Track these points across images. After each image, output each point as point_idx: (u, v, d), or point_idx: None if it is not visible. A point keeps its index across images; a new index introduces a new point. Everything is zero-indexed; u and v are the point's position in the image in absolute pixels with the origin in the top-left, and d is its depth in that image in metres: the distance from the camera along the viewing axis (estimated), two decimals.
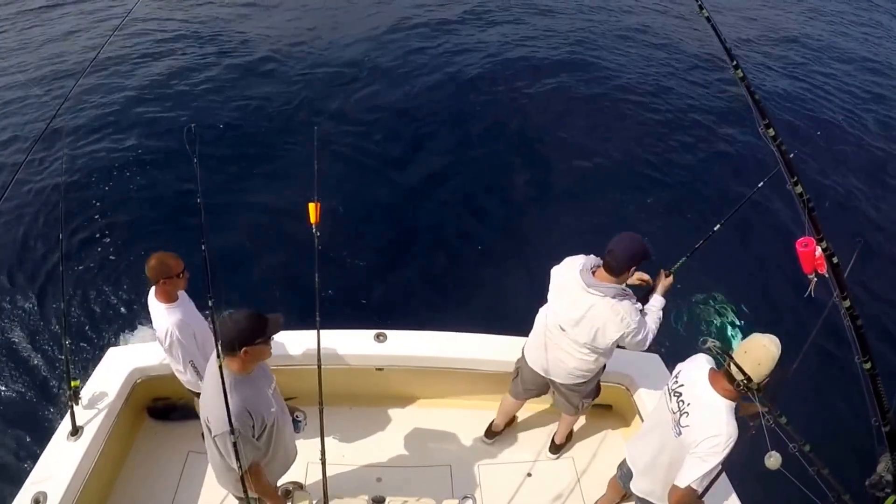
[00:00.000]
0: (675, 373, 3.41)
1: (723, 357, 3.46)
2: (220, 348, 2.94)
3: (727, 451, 3.00)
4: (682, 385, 3.28)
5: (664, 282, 4.07)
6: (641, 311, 3.93)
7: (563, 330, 4.01)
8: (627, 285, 3.92)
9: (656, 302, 4.04)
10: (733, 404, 3.06)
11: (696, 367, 3.30)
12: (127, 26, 11.29)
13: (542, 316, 4.25)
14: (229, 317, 3.05)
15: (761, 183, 3.98)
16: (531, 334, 4.37)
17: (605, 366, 4.34)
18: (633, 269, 3.78)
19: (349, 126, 10.18)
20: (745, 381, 2.92)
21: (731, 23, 15.24)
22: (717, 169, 9.91)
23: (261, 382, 3.29)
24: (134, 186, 8.71)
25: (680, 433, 3.18)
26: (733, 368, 2.95)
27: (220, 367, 2.96)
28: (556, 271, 4.08)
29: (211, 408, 3.07)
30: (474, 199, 8.98)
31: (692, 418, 3.13)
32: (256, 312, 3.09)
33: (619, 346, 4.01)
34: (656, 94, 11.85)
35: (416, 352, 4.81)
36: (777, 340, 2.98)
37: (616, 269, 3.73)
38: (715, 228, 4.13)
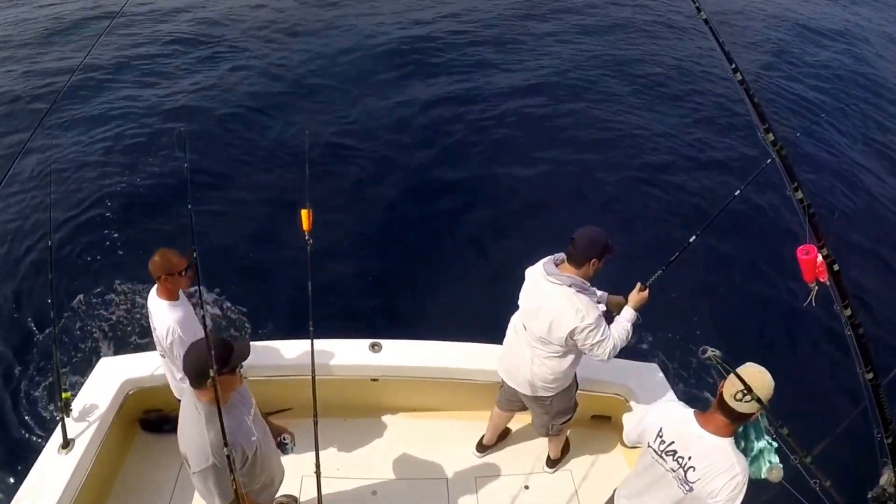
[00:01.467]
0: (655, 432, 3.14)
1: (722, 370, 3.40)
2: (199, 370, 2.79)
3: (746, 486, 2.86)
4: (673, 442, 3.06)
5: (638, 295, 3.98)
6: (610, 318, 3.90)
7: (525, 329, 3.98)
8: (607, 311, 3.88)
9: (626, 314, 3.95)
10: (732, 440, 2.92)
11: (679, 418, 3.11)
12: (116, 29, 11.29)
13: (513, 319, 4.24)
14: (193, 347, 2.91)
15: (738, 192, 3.89)
16: (504, 345, 4.34)
17: (575, 384, 4.27)
18: (595, 261, 3.72)
19: (341, 134, 10.17)
20: (745, 391, 2.71)
21: (730, 23, 15.24)
22: (705, 182, 9.75)
23: (239, 410, 3.13)
24: (123, 193, 8.65)
25: (691, 489, 3.00)
26: (732, 381, 2.75)
27: (211, 385, 2.78)
28: (528, 269, 4.08)
29: (188, 443, 2.93)
30: (473, 206, 8.94)
31: (700, 471, 2.96)
32: (221, 340, 2.94)
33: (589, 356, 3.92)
34: (647, 102, 11.81)
35: (412, 362, 4.76)
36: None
37: (577, 257, 3.71)
38: (691, 240, 4.05)
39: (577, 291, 3.72)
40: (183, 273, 3.85)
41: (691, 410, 3.09)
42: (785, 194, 2.74)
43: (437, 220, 8.72)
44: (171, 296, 3.92)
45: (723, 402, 2.84)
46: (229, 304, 7.09)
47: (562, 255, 3.86)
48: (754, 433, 3.11)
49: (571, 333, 3.75)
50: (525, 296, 4.02)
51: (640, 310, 3.99)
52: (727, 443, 2.91)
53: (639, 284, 4.01)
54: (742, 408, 2.77)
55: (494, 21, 14.63)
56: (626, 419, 3.41)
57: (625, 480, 3.59)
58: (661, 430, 3.12)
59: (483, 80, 12.19)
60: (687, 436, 3.00)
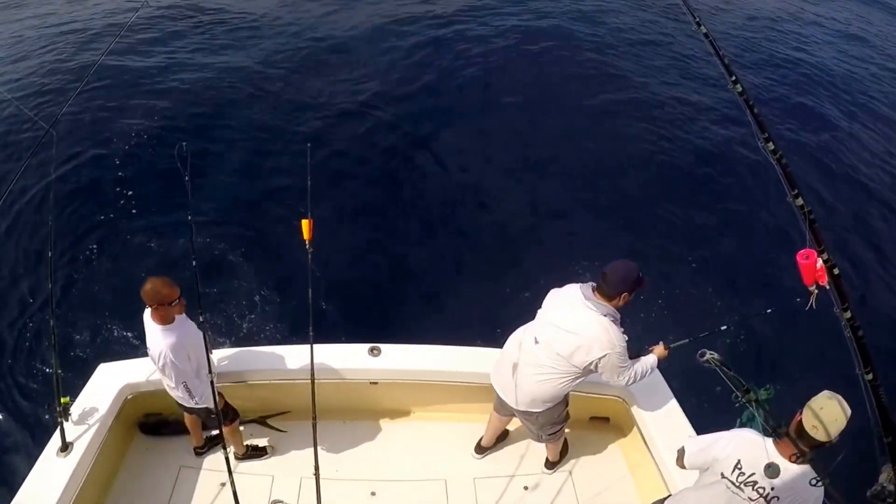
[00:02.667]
0: (732, 464, 3.15)
1: (718, 367, 3.49)
2: None
3: None
4: (753, 473, 3.08)
5: (661, 351, 4.13)
6: (636, 354, 4.03)
7: (537, 342, 4.01)
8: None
9: (652, 358, 4.11)
10: (809, 468, 2.96)
11: (757, 448, 3.10)
12: (122, 37, 11.13)
13: (517, 333, 4.27)
14: None
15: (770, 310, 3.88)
16: (500, 354, 4.38)
17: (565, 401, 4.29)
18: (625, 295, 3.79)
19: (343, 142, 10.13)
20: (800, 454, 2.87)
21: (727, 31, 15.27)
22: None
23: None
24: (125, 202, 8.57)
25: None
26: (807, 423, 2.88)
27: None
28: (554, 290, 4.12)
29: None
30: (471, 212, 8.95)
31: (785, 500, 3.01)
32: None
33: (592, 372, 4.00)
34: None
35: (410, 365, 4.79)
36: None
37: (608, 291, 3.78)
38: (723, 328, 4.18)
39: (612, 321, 3.80)
40: (173, 303, 3.88)
41: (769, 440, 3.12)
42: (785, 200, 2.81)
43: (436, 225, 8.73)
44: (164, 321, 3.95)
45: (802, 431, 2.91)
46: (231, 310, 7.12)
47: (593, 284, 3.90)
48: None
49: (598, 361, 3.84)
50: (553, 313, 4.01)
51: (659, 362, 4.15)
52: (808, 471, 2.95)
53: (662, 343, 4.15)
54: (820, 436, 2.84)
55: (514, 25, 14.61)
56: (688, 444, 3.47)
57: None
58: (739, 462, 3.13)
59: (496, 82, 12.18)
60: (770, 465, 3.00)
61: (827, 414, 2.86)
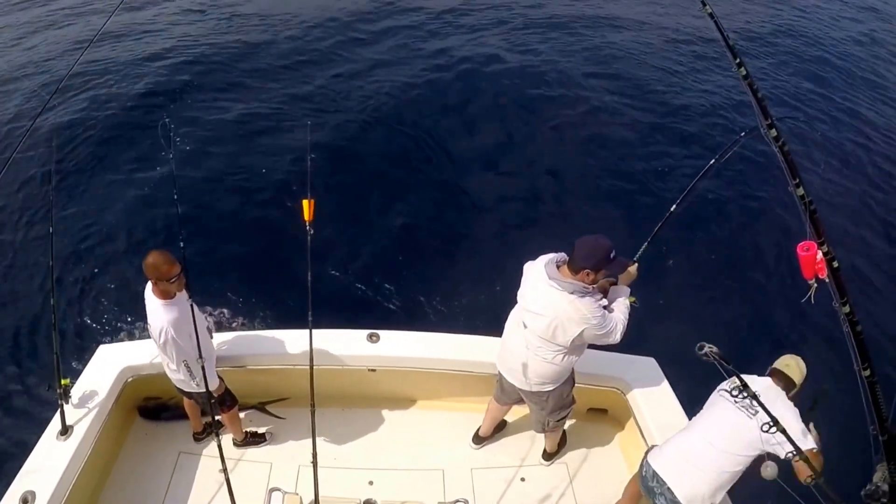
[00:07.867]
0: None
1: (719, 367, 3.44)
2: None
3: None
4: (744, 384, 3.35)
5: (631, 272, 4.00)
6: (606, 307, 3.87)
7: (526, 326, 3.95)
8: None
9: (621, 291, 3.97)
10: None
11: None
12: (115, 19, 11.22)
13: (512, 315, 4.20)
14: None
15: (713, 161, 3.95)
16: (502, 340, 4.33)
17: (571, 380, 4.26)
18: (589, 272, 3.63)
19: (344, 122, 10.13)
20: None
21: (735, 15, 15.13)
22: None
23: None
24: (121, 181, 8.59)
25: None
26: (780, 364, 3.79)
27: None
28: (528, 265, 4.03)
29: None
30: (472, 198, 8.90)
31: (765, 399, 3.15)
32: None
33: (590, 345, 3.97)
34: (652, 91, 11.80)
35: (409, 353, 4.77)
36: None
37: (572, 263, 3.68)
38: (672, 209, 4.10)
39: (579, 297, 3.68)
40: (172, 280, 3.81)
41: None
42: (786, 189, 2.74)
43: (437, 210, 8.69)
44: (165, 296, 3.90)
45: (775, 370, 3.77)
46: (229, 294, 7.08)
47: (563, 256, 3.81)
48: None
49: (579, 335, 3.76)
50: (526, 295, 3.95)
51: (632, 283, 4.02)
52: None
53: (626, 262, 4.00)
54: (788, 372, 3.72)
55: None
56: None
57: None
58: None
59: (491, 66, 12.16)
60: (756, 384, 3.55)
61: (790, 360, 3.80)
